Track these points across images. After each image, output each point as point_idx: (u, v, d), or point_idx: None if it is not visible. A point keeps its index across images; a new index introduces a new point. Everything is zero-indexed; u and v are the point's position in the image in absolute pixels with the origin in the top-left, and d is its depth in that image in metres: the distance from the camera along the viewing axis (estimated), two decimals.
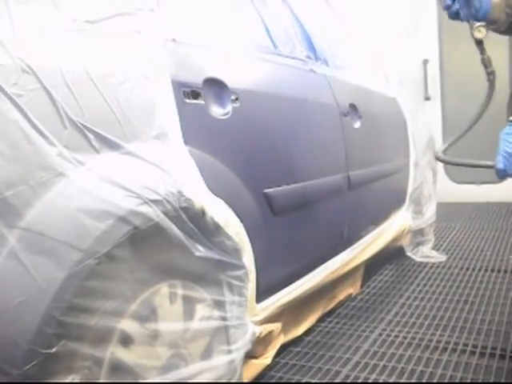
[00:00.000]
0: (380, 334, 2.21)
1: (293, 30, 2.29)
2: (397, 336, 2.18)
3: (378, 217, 2.86)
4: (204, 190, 1.35)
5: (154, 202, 1.16)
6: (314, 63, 2.33)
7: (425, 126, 3.75)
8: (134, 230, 1.12)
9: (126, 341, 1.17)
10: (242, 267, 1.51)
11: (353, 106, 2.46)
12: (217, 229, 1.39)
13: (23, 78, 1.03)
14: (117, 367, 1.15)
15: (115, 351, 1.15)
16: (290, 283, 1.93)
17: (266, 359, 1.84)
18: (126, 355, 1.17)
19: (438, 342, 2.10)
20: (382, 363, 1.94)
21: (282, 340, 1.97)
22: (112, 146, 1.16)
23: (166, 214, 1.19)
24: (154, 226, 1.16)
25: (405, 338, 2.16)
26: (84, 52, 1.19)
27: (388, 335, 2.19)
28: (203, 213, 1.31)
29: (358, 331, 2.26)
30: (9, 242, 0.97)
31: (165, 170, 1.23)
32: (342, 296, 2.55)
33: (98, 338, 1.09)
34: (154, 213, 1.16)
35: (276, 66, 2.00)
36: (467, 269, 3.09)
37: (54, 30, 1.15)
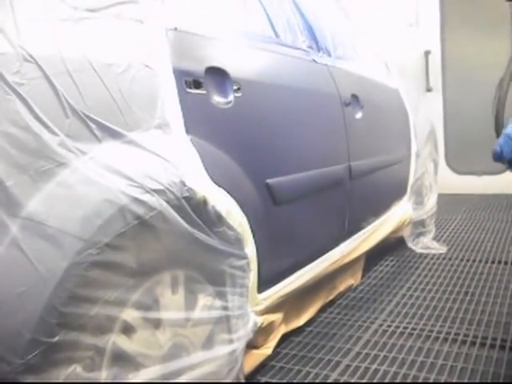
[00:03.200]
0: (381, 325, 2.21)
1: (295, 19, 2.27)
2: (397, 326, 2.18)
3: (379, 207, 2.86)
4: (206, 180, 1.34)
5: (156, 191, 1.16)
6: (316, 53, 2.31)
7: (426, 118, 3.74)
8: (136, 219, 1.12)
9: (127, 330, 1.18)
10: (244, 257, 1.51)
11: (355, 97, 2.45)
12: (219, 218, 1.39)
13: (25, 67, 1.03)
14: (118, 357, 1.15)
15: (117, 341, 1.15)
16: (292, 273, 1.93)
17: (267, 349, 1.85)
18: (127, 345, 1.17)
19: (439, 332, 2.10)
20: (382, 353, 1.95)
21: (283, 330, 1.98)
22: (114, 135, 1.15)
23: (168, 203, 1.18)
24: (156, 215, 1.16)
25: (405, 328, 2.16)
26: (85, 41, 1.18)
27: (389, 326, 2.20)
28: (205, 202, 1.31)
29: (358, 322, 2.26)
30: (11, 231, 0.97)
31: (167, 160, 1.22)
32: (342, 287, 2.55)
33: (100, 328, 1.10)
34: (157, 202, 1.15)
35: (278, 55, 1.99)
36: (468, 260, 3.09)
37: (56, 18, 1.14)
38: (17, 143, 0.99)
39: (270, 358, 1.90)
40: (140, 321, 1.21)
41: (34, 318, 0.95)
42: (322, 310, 2.36)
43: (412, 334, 2.11)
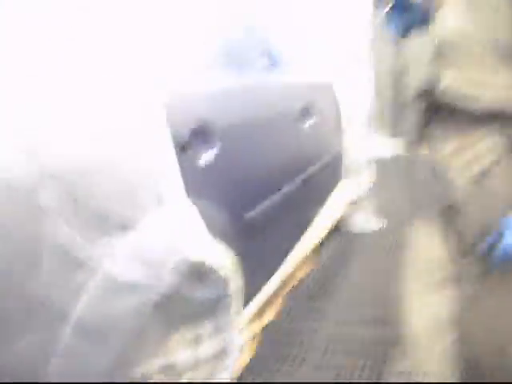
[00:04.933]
0: None
1: (247, 39, 2.32)
2: None
3: (322, 198, 2.97)
4: (211, 245, 1.43)
5: (170, 272, 1.26)
6: (270, 70, 2.39)
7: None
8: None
9: None
10: (228, 296, 1.58)
11: (305, 109, 2.55)
12: (212, 272, 1.48)
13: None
14: None
15: None
16: None
17: None
18: None
19: None
20: None
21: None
22: (127, 226, 1.20)
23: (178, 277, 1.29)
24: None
25: None
26: None
27: None
28: (210, 269, 1.43)
29: None
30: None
31: (177, 237, 1.31)
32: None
33: None
34: (170, 283, 1.26)
35: (241, 92, 1.99)
36: None
37: None
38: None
39: None
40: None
41: None
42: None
43: None
